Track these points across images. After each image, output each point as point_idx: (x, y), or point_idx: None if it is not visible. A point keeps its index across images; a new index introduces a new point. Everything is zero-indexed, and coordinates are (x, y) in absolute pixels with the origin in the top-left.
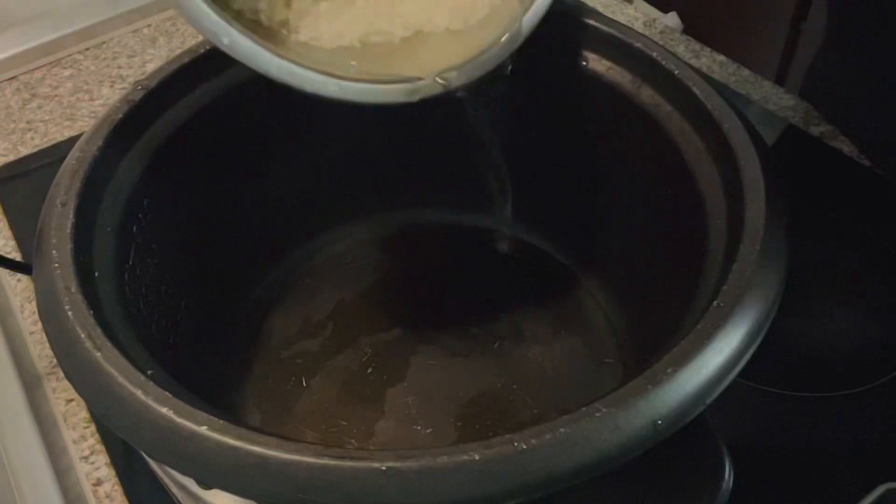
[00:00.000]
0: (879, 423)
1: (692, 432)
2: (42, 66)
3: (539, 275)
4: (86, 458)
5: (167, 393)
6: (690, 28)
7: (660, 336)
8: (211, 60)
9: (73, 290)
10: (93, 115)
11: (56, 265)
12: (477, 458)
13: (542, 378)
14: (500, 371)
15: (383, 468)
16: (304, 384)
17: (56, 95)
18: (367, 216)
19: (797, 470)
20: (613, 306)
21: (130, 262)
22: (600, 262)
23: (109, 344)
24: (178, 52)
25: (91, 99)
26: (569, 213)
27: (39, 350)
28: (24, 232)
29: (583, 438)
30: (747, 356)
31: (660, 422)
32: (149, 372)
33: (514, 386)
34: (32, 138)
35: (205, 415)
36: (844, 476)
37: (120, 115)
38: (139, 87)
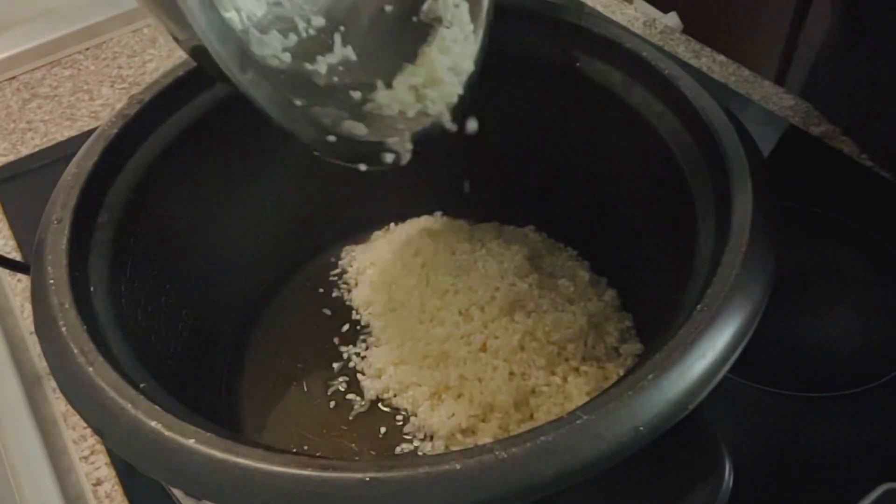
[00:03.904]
0: (879, 423)
1: (692, 433)
2: (42, 66)
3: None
4: (86, 458)
5: (157, 406)
6: (690, 28)
7: (657, 332)
8: (205, 73)
9: (66, 305)
10: (93, 115)
11: (51, 281)
12: (458, 467)
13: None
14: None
15: (366, 479)
16: (305, 389)
17: (56, 95)
18: (362, 220)
19: (797, 470)
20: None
21: (128, 275)
22: (598, 258)
23: (102, 359)
24: (178, 51)
25: (91, 99)
26: (563, 210)
27: (39, 350)
28: (24, 232)
29: (563, 446)
30: (732, 359)
31: (642, 428)
32: (141, 385)
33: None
34: (32, 138)
35: (192, 428)
36: (844, 476)
37: (115, 131)
38: (134, 101)
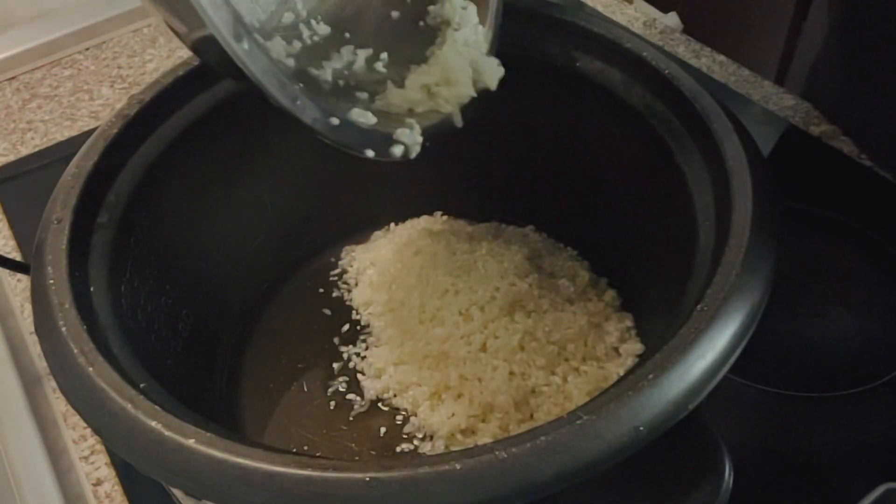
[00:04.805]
0: (879, 423)
1: (692, 433)
2: (42, 66)
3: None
4: (86, 458)
5: (157, 406)
6: (690, 28)
7: (657, 332)
8: (205, 72)
9: (66, 305)
10: (93, 115)
11: (51, 281)
12: (458, 467)
13: None
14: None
15: (366, 479)
16: (305, 389)
17: (56, 95)
18: (362, 220)
19: (797, 470)
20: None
21: (128, 275)
22: (598, 258)
23: (102, 359)
24: (178, 51)
25: (91, 99)
26: (563, 210)
27: (39, 350)
28: (24, 232)
29: (564, 446)
30: (732, 360)
31: (642, 428)
32: (141, 385)
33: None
34: (32, 138)
35: (193, 427)
36: (844, 476)
37: (115, 130)
38: (134, 101)
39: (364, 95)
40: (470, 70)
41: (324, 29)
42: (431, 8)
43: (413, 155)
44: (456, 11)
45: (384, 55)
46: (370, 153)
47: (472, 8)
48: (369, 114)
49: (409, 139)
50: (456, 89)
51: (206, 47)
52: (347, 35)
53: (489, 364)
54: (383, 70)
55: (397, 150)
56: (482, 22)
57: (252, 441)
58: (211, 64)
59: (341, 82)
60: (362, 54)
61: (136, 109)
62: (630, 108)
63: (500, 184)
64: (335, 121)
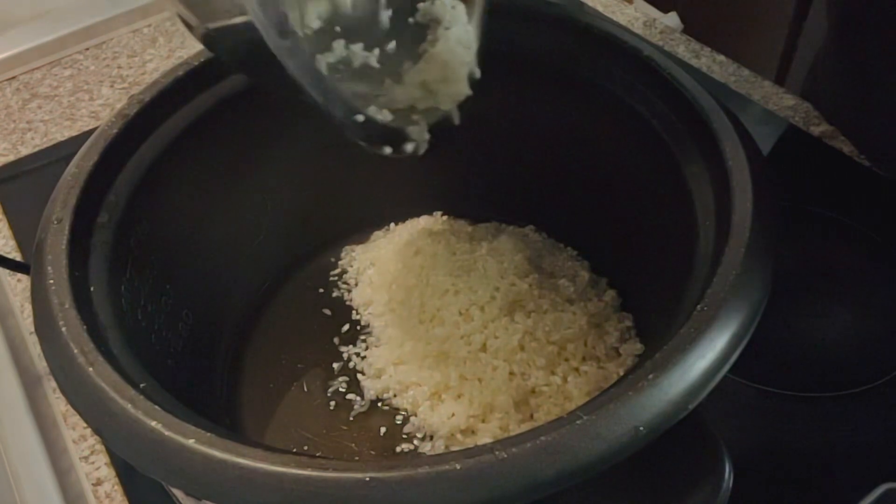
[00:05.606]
0: (879, 423)
1: (692, 433)
2: (42, 66)
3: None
4: (86, 458)
5: (157, 406)
6: (690, 28)
7: (657, 332)
8: (205, 72)
9: (66, 305)
10: (93, 115)
11: (51, 281)
12: (458, 467)
13: None
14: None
15: (366, 479)
16: (305, 389)
17: (56, 95)
18: (362, 220)
19: (797, 470)
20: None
21: (128, 275)
22: (598, 258)
23: (102, 359)
24: (178, 51)
25: (91, 99)
26: (563, 210)
27: (39, 350)
28: (24, 232)
29: (563, 446)
30: (732, 359)
31: (641, 428)
32: (141, 385)
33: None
34: (32, 138)
35: (193, 427)
36: (844, 476)
37: (115, 130)
38: (134, 101)
39: (363, 89)
40: (465, 68)
41: (315, 24)
42: (421, 5)
43: (422, 151)
44: (446, 10)
45: (376, 51)
46: (388, 149)
47: (461, 7)
48: (385, 111)
49: (418, 136)
50: (455, 87)
51: (223, 38)
52: (338, 29)
53: (489, 364)
54: (376, 65)
55: (409, 147)
56: (470, 20)
57: (252, 441)
58: (223, 56)
59: (338, 76)
60: (354, 48)
61: (136, 109)
62: (630, 108)
63: (500, 184)
64: (360, 117)
